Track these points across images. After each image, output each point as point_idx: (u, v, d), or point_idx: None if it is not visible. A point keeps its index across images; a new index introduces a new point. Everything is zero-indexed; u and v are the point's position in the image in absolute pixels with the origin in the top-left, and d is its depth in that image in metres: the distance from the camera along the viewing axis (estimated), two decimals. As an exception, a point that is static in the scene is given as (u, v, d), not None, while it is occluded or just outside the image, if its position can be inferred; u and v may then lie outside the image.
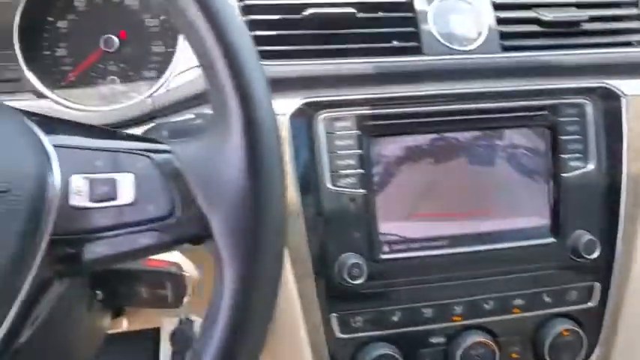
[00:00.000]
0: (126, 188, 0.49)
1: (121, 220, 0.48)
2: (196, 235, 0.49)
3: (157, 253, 0.49)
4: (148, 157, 0.50)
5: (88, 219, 0.48)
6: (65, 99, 0.82)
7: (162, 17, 0.91)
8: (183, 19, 0.48)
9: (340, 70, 0.76)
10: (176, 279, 0.72)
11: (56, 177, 0.48)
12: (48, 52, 0.89)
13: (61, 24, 0.89)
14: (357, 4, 0.77)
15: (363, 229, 0.77)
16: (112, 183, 0.49)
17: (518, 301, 0.83)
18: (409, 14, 0.80)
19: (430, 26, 0.80)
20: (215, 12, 0.47)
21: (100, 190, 0.48)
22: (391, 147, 0.79)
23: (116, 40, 0.89)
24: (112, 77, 0.90)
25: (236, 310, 0.47)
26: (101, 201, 0.48)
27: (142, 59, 0.90)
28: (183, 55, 0.83)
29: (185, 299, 0.73)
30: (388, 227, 0.79)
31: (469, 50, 0.81)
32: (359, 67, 0.77)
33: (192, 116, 0.73)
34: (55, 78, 0.87)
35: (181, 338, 0.72)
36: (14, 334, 0.46)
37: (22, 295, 0.46)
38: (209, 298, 0.73)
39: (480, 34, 0.81)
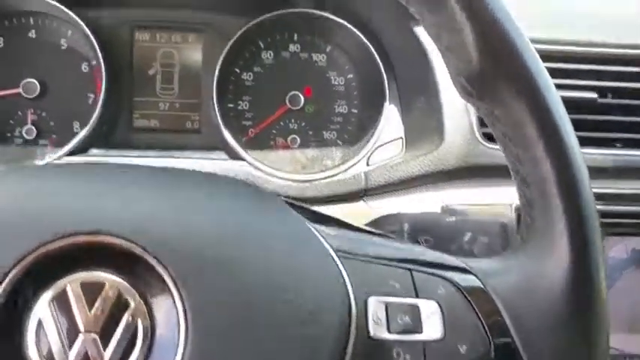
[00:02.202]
0: (431, 319, 0.41)
1: None
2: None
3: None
4: (451, 281, 0.43)
5: (388, 354, 0.40)
6: (261, 162, 0.76)
7: (348, 76, 0.85)
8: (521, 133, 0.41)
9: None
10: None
11: (353, 298, 0.41)
12: (231, 105, 0.83)
13: (247, 76, 0.84)
14: (599, 88, 0.69)
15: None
16: (415, 311, 0.41)
17: None
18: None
19: (678, 119, 0.72)
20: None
21: (401, 318, 0.41)
22: (615, 249, 0.71)
23: (302, 97, 0.83)
24: (292, 136, 0.84)
25: None
26: (403, 333, 0.41)
27: (324, 119, 0.84)
28: (387, 124, 0.77)
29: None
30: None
31: None
32: (596, 158, 0.69)
33: (438, 211, 0.65)
34: (234, 133, 0.81)
35: None
36: None
37: None
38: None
39: None
